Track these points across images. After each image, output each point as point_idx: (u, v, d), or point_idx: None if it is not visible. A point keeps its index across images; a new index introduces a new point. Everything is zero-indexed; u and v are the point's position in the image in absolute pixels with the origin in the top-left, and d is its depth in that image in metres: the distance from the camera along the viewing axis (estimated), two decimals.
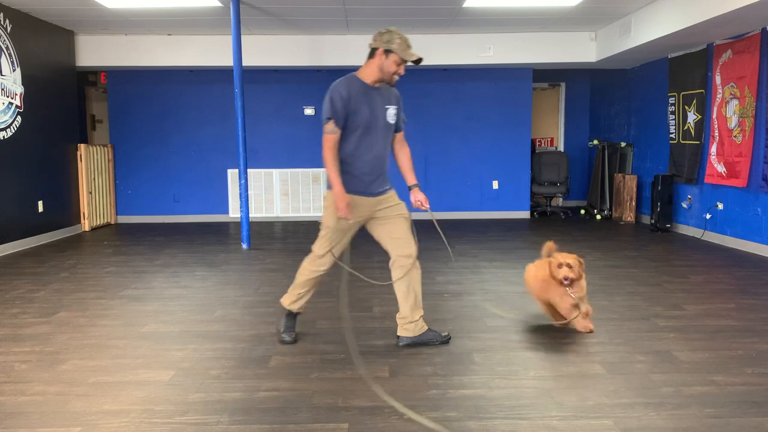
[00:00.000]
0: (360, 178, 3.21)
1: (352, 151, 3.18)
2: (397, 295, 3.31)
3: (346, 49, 8.05)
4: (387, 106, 3.23)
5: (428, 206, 3.34)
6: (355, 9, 6.66)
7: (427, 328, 3.36)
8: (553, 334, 3.52)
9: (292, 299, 3.41)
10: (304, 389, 2.74)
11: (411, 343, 3.32)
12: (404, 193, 3.72)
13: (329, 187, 3.18)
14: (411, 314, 3.29)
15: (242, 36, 7.35)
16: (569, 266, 3.45)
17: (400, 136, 3.41)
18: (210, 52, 8.01)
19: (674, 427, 2.37)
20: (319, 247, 3.29)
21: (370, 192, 3.23)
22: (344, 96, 3.08)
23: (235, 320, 3.85)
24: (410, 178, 3.39)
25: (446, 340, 3.39)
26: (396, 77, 3.16)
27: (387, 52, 3.08)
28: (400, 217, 3.26)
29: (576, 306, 3.51)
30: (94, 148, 8.24)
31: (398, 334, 3.35)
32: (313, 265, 3.31)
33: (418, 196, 3.33)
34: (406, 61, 3.12)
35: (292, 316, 3.44)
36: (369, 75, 3.16)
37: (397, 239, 3.25)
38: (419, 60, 3.12)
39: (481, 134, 8.98)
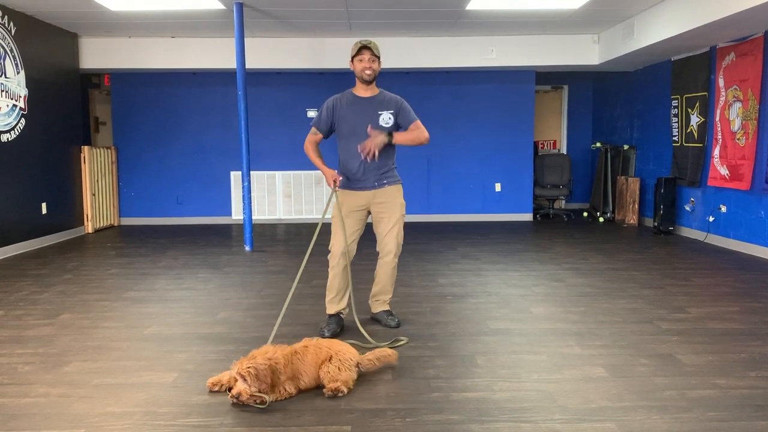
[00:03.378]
0: (352, 178, 3.61)
1: (345, 154, 3.61)
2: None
3: (348, 52, 8.03)
4: (380, 112, 3.57)
5: (368, 151, 3.43)
6: (357, 12, 6.67)
7: (381, 309, 3.79)
8: (555, 338, 3.52)
9: (329, 304, 3.68)
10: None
11: (372, 318, 3.86)
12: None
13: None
14: (373, 295, 3.81)
15: (245, 39, 7.36)
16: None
17: (413, 126, 3.60)
18: (213, 54, 8.03)
19: (677, 431, 2.37)
20: (331, 244, 3.63)
21: (362, 187, 3.61)
22: (329, 107, 3.62)
23: (237, 322, 3.86)
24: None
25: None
26: (367, 72, 3.51)
27: (352, 60, 3.59)
28: (384, 218, 3.62)
29: None
30: (98, 150, 8.27)
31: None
32: (330, 261, 3.62)
33: (374, 139, 3.44)
34: (358, 56, 3.52)
35: (334, 317, 3.67)
36: (357, 87, 3.64)
37: (378, 237, 3.69)
38: (361, 47, 3.50)
39: (484, 136, 8.98)
